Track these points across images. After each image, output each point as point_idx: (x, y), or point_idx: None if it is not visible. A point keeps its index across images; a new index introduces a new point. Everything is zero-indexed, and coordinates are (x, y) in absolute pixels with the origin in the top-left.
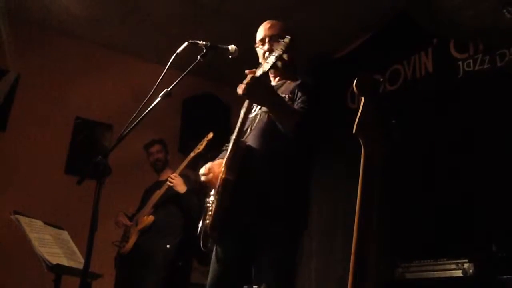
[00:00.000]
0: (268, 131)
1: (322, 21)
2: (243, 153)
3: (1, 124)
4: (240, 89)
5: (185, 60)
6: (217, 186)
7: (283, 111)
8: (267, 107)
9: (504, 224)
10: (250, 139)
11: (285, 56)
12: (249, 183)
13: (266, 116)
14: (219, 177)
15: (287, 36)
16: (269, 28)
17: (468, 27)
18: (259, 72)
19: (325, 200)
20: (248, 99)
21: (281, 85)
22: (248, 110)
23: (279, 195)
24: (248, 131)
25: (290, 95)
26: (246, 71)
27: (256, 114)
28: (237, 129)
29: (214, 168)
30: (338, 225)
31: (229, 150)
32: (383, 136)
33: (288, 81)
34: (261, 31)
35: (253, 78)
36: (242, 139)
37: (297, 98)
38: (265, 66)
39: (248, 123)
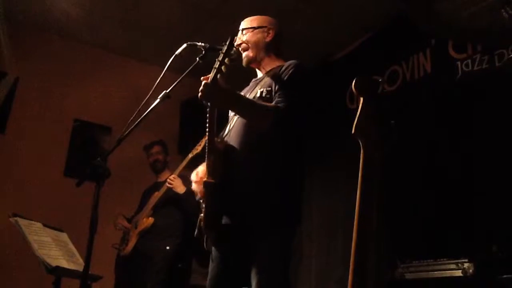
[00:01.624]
0: (246, 128)
1: (322, 22)
2: (221, 153)
3: (0, 126)
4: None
5: (184, 62)
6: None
7: (250, 112)
8: (231, 110)
9: (504, 224)
10: (231, 137)
11: (226, 60)
12: (233, 183)
13: None
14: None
15: (227, 41)
16: (242, 22)
17: (466, 27)
18: (211, 76)
19: (325, 201)
20: (207, 104)
21: (262, 79)
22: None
23: (263, 192)
24: (227, 129)
25: (268, 89)
26: (202, 78)
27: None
28: (207, 129)
29: (203, 173)
30: (338, 225)
31: (206, 152)
32: (382, 136)
33: (271, 73)
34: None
35: (205, 84)
36: (219, 139)
37: (276, 92)
38: (213, 72)
39: (228, 120)
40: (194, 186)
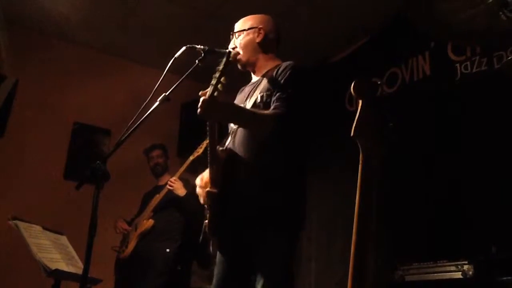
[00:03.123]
0: (249, 135)
1: (321, 24)
2: (224, 161)
3: None
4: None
5: (183, 64)
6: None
7: (251, 122)
8: (231, 123)
9: (503, 226)
10: (235, 144)
11: (222, 79)
12: (237, 188)
13: None
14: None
15: (227, 52)
16: (236, 24)
17: (464, 29)
18: (208, 92)
19: (324, 202)
20: (207, 120)
21: (260, 82)
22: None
23: (266, 196)
24: (230, 137)
25: (267, 93)
26: (200, 93)
27: None
28: (208, 138)
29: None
30: (337, 227)
31: (209, 161)
32: (381, 138)
33: (268, 74)
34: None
35: (203, 100)
36: (222, 148)
37: (274, 96)
38: (210, 88)
39: (230, 128)
40: (198, 190)
